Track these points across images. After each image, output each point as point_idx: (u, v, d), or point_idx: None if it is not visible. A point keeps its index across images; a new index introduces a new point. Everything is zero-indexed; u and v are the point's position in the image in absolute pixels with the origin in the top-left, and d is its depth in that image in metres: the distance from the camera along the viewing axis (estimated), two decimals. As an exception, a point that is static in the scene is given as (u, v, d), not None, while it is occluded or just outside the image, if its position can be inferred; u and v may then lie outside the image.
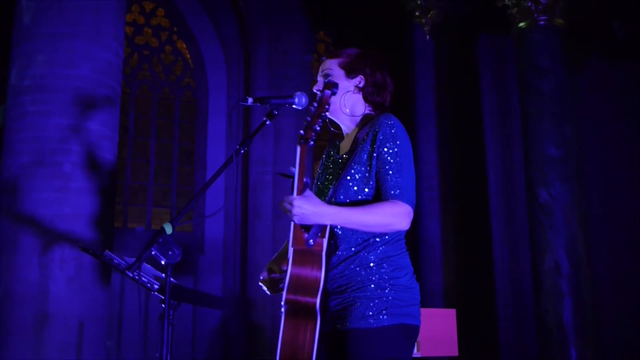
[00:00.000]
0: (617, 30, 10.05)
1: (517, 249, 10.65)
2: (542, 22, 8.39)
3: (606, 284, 9.66)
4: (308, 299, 2.23)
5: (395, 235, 2.41)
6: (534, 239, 8.14)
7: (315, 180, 2.64)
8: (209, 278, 10.99)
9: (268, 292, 2.58)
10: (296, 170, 2.27)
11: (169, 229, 2.32)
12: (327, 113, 2.33)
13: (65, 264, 6.12)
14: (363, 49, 2.64)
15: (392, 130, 2.41)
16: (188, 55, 12.40)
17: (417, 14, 9.67)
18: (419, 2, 9.54)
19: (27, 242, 6.09)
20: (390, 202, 2.33)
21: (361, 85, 2.58)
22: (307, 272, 2.25)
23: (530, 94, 8.38)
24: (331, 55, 2.63)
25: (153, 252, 2.30)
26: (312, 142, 2.30)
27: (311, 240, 2.25)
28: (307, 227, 2.27)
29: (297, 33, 11.43)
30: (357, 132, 2.54)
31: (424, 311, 2.54)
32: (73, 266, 6.14)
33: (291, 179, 2.47)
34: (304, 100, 2.54)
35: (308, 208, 2.22)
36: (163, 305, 2.59)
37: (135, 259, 2.32)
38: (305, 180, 2.26)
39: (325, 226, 2.29)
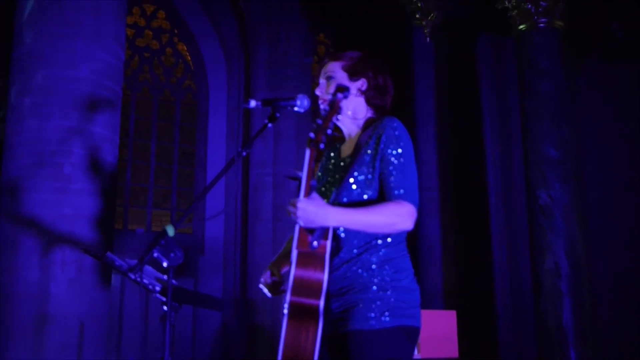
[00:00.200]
0: (616, 32, 10.06)
1: (516, 250, 10.65)
2: (541, 25, 8.40)
3: (606, 284, 9.66)
4: (312, 301, 2.23)
5: (397, 237, 2.42)
6: (533, 240, 8.14)
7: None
8: (209, 279, 10.99)
9: (269, 295, 2.59)
10: (304, 173, 2.27)
11: (171, 231, 2.32)
12: (339, 116, 2.32)
13: (67, 266, 6.12)
14: (365, 52, 2.64)
15: (396, 133, 2.42)
16: (189, 58, 12.40)
17: (417, 16, 9.67)
18: (419, 5, 9.55)
19: (27, 243, 6.09)
20: (394, 202, 2.34)
21: (364, 88, 2.58)
22: (310, 274, 2.25)
23: (529, 95, 8.39)
24: (333, 58, 2.64)
25: (155, 254, 2.30)
26: (322, 146, 2.29)
27: (315, 243, 2.24)
28: (311, 230, 2.27)
29: (297, 34, 11.43)
30: (360, 135, 2.55)
31: (425, 312, 2.55)
32: (74, 268, 6.14)
33: (297, 182, 2.48)
34: (306, 102, 2.54)
35: (313, 209, 2.22)
36: (164, 307, 2.59)
37: (137, 261, 2.33)
38: (311, 183, 2.26)
39: (328, 228, 2.29)
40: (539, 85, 8.29)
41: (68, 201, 6.24)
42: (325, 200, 2.44)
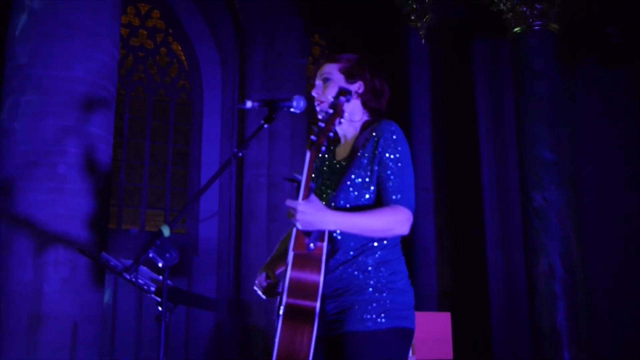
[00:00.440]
0: (611, 35, 10.09)
1: (511, 252, 10.66)
2: (537, 27, 8.41)
3: (600, 287, 9.69)
4: (308, 303, 2.23)
5: (392, 240, 2.44)
6: (528, 242, 8.14)
7: None
8: (203, 280, 10.97)
9: (263, 296, 2.58)
10: (304, 176, 2.27)
11: (166, 232, 2.31)
12: (342, 119, 2.32)
13: (60, 266, 6.10)
14: (362, 55, 2.65)
15: (394, 137, 2.43)
16: (183, 57, 12.38)
17: (412, 17, 9.65)
18: (414, 6, 9.53)
19: (21, 243, 6.08)
20: (391, 208, 2.36)
21: (360, 91, 2.59)
22: (306, 276, 2.26)
23: (525, 97, 8.39)
24: (330, 59, 2.64)
25: (151, 255, 2.30)
26: (324, 149, 2.32)
27: (312, 245, 2.26)
28: (307, 232, 2.28)
29: (293, 35, 11.42)
30: (356, 138, 2.55)
31: (420, 314, 2.57)
32: (67, 268, 6.13)
33: (295, 183, 2.48)
34: (302, 103, 2.55)
35: (312, 213, 2.23)
36: (159, 308, 2.59)
37: (132, 261, 2.32)
38: (310, 185, 2.27)
39: (325, 231, 2.30)
40: (534, 88, 8.29)
41: (62, 201, 6.22)
42: (323, 202, 2.43)
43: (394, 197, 2.37)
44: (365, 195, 2.42)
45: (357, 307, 2.33)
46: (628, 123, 10.41)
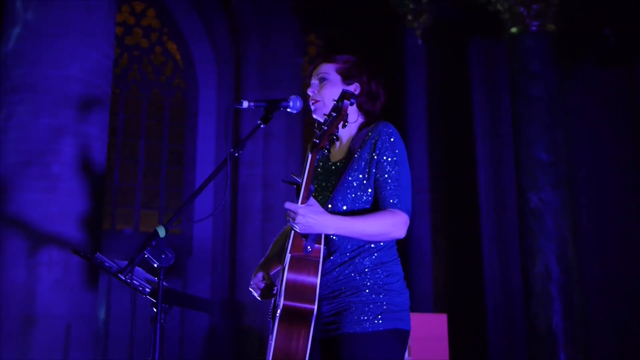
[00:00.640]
0: (607, 36, 10.11)
1: (507, 253, 10.67)
2: (534, 28, 8.42)
3: (596, 288, 9.70)
4: (305, 305, 2.23)
5: (389, 241, 2.44)
6: (524, 243, 8.16)
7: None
8: (197, 280, 10.95)
9: (258, 298, 2.57)
10: (304, 178, 2.26)
11: (162, 232, 2.30)
12: (346, 123, 2.30)
13: (53, 266, 6.09)
14: (360, 56, 2.64)
15: (392, 139, 2.43)
16: (178, 56, 12.36)
17: (409, 17, 9.66)
18: (411, 6, 9.54)
19: (14, 243, 6.06)
20: (389, 212, 2.36)
21: (356, 92, 2.57)
22: (303, 278, 2.25)
23: (521, 98, 8.40)
24: (327, 60, 2.63)
25: (146, 255, 2.28)
26: (326, 152, 2.33)
27: (309, 247, 2.25)
28: (305, 234, 2.27)
29: (288, 34, 11.41)
30: (352, 140, 2.54)
31: (416, 315, 2.57)
32: (61, 268, 6.12)
33: (294, 186, 2.47)
34: (298, 104, 2.56)
35: (313, 217, 2.22)
36: (154, 309, 2.57)
37: (127, 261, 2.30)
38: (310, 188, 2.26)
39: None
40: (531, 89, 8.30)
41: (56, 201, 6.20)
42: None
43: (391, 200, 2.37)
44: (362, 197, 2.41)
45: (354, 308, 2.33)
46: (624, 124, 10.43)
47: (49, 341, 5.98)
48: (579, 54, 10.59)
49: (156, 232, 2.29)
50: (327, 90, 2.56)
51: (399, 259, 2.48)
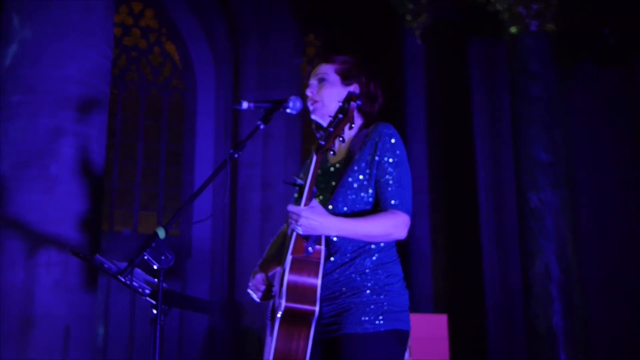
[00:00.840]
0: (607, 36, 10.11)
1: (507, 253, 10.66)
2: (533, 28, 8.42)
3: (596, 288, 9.70)
4: (307, 307, 2.24)
5: (389, 242, 2.45)
6: (524, 243, 8.16)
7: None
8: (196, 282, 10.93)
9: (257, 300, 2.57)
10: (309, 179, 2.28)
11: (162, 234, 2.31)
12: (353, 124, 2.30)
13: (52, 268, 6.08)
14: (359, 57, 2.65)
15: (392, 140, 2.44)
16: (177, 57, 12.34)
17: (408, 17, 9.67)
18: (410, 7, 9.54)
19: (13, 245, 6.07)
20: (390, 213, 2.37)
21: (356, 93, 2.56)
22: (304, 279, 2.26)
23: (520, 98, 8.40)
24: (326, 60, 2.63)
25: (146, 257, 2.28)
26: (332, 153, 2.33)
27: (310, 248, 2.26)
28: (306, 236, 2.28)
29: (287, 35, 11.40)
30: (351, 141, 2.54)
31: (416, 316, 2.59)
32: (59, 269, 6.12)
33: (295, 187, 2.47)
34: (298, 104, 2.56)
35: (316, 219, 2.24)
36: (154, 310, 2.56)
37: (126, 263, 2.30)
38: (313, 190, 2.28)
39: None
40: (530, 89, 8.30)
41: (54, 202, 6.20)
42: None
43: (392, 201, 2.38)
44: (362, 198, 2.42)
45: (354, 309, 2.34)
46: (624, 124, 10.43)
47: (48, 342, 5.99)
48: (578, 54, 10.59)
49: (156, 234, 2.29)
50: (326, 91, 2.56)
51: (399, 259, 2.49)
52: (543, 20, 8.38)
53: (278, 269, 2.49)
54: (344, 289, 2.37)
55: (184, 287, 10.71)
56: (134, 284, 2.89)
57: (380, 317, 2.32)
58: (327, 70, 2.60)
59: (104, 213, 10.32)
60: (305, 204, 2.25)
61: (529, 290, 7.97)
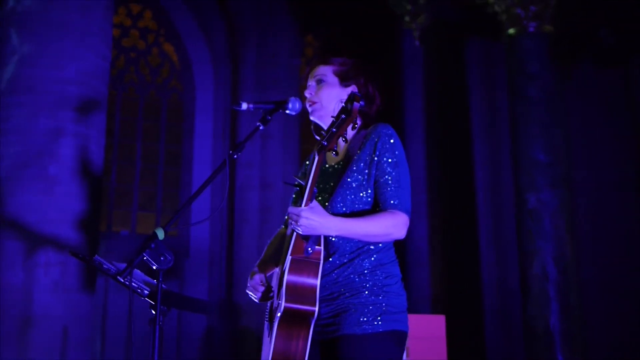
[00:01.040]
0: (605, 37, 10.11)
1: (504, 253, 10.65)
2: (531, 29, 8.43)
3: (594, 289, 9.68)
4: (306, 308, 2.24)
5: (387, 243, 2.45)
6: (521, 244, 8.17)
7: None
8: (194, 282, 10.92)
9: (256, 300, 2.57)
10: (310, 179, 2.27)
11: (161, 234, 2.31)
12: (356, 124, 2.31)
13: (51, 268, 6.08)
14: (357, 59, 2.65)
15: (392, 141, 2.45)
16: (175, 58, 12.34)
17: (406, 18, 9.68)
18: (408, 7, 9.56)
19: (12, 245, 6.06)
20: (389, 213, 2.38)
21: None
22: (303, 280, 2.26)
23: (519, 99, 8.41)
24: (324, 61, 2.63)
25: (145, 258, 2.28)
26: (334, 154, 2.32)
27: (309, 249, 2.27)
28: (305, 236, 2.28)
29: (286, 35, 11.40)
30: (350, 141, 2.54)
31: (414, 317, 2.59)
32: (58, 270, 6.12)
33: (295, 187, 2.47)
34: (297, 105, 2.57)
35: (316, 219, 2.24)
36: (152, 311, 2.57)
37: (124, 263, 2.30)
38: (313, 190, 2.28)
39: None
40: (529, 89, 8.31)
41: (53, 203, 6.20)
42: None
43: (392, 201, 2.39)
44: (361, 199, 2.43)
45: (353, 310, 2.34)
46: (622, 124, 10.42)
47: (47, 342, 5.99)
48: (576, 54, 10.58)
49: (155, 235, 2.29)
50: (324, 92, 2.57)
51: (397, 260, 2.50)
52: (541, 22, 8.40)
53: (276, 270, 2.50)
54: (342, 289, 2.37)
55: (182, 287, 10.70)
56: (133, 284, 2.90)
57: (379, 318, 2.32)
58: (326, 71, 2.60)
59: (103, 213, 10.33)
60: (306, 204, 2.25)
61: (526, 291, 7.97)
